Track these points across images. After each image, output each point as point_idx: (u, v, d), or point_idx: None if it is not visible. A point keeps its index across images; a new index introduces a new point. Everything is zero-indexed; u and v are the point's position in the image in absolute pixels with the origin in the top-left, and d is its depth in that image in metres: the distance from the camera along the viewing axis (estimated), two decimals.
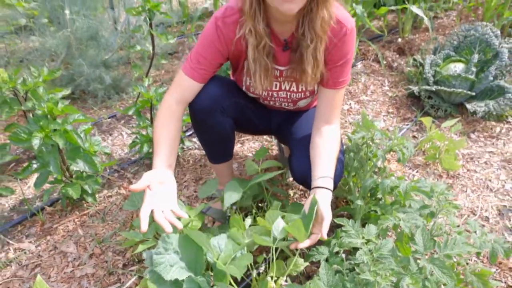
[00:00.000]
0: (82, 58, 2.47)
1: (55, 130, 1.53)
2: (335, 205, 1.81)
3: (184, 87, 1.38)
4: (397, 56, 3.32)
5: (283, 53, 1.36)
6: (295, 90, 1.47)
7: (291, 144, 1.55)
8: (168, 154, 1.29)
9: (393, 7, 2.73)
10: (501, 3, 3.06)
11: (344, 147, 1.59)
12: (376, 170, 1.59)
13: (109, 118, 2.64)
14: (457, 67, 2.53)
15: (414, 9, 2.58)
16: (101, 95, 2.76)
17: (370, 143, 1.47)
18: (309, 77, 1.34)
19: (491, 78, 2.46)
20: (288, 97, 1.50)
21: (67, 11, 2.42)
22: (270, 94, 1.50)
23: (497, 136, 2.38)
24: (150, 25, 2.19)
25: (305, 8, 1.21)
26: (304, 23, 1.24)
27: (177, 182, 1.97)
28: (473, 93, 2.46)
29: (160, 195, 1.14)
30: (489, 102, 2.42)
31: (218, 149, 1.59)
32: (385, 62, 3.19)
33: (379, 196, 1.56)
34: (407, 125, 2.47)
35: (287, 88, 1.47)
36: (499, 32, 2.60)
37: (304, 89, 1.46)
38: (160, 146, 1.29)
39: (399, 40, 3.62)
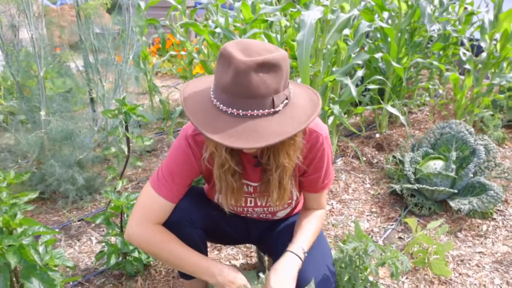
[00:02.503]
0: (55, 158, 2.39)
1: (9, 245, 1.38)
2: None
3: (159, 210, 1.28)
4: (376, 152, 3.34)
5: (255, 169, 1.30)
6: (271, 204, 1.39)
7: (274, 256, 1.42)
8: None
9: (369, 107, 2.79)
10: (471, 101, 3.19)
11: (335, 257, 1.47)
12: (368, 285, 1.46)
13: (78, 221, 2.48)
14: (436, 165, 2.53)
15: (389, 108, 2.65)
16: (73, 196, 2.62)
17: (363, 255, 1.36)
18: (276, 201, 1.28)
19: (471, 175, 2.46)
20: (266, 210, 1.42)
21: (42, 112, 2.39)
22: (245, 210, 1.42)
23: (484, 235, 2.30)
24: (126, 127, 2.15)
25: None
26: (269, 152, 1.18)
27: None
28: (455, 191, 2.43)
29: None
30: (472, 199, 2.38)
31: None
32: (364, 159, 3.20)
33: None
34: (392, 225, 2.38)
35: (263, 203, 1.39)
36: (472, 129, 2.67)
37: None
38: (191, 252, 1.27)
39: (377, 135, 3.69)
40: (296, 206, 1.53)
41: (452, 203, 2.39)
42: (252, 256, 2.07)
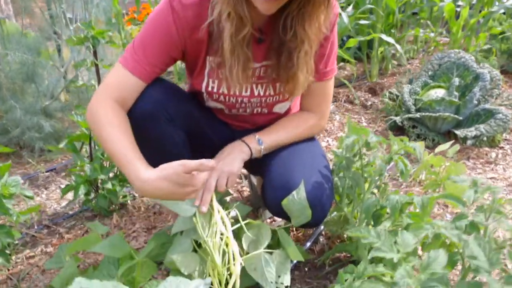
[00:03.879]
0: (18, 104, 2.10)
1: None
2: (327, 246, 1.42)
3: (124, 86, 1.04)
4: (370, 95, 3.14)
5: (258, 46, 1.07)
6: (272, 93, 1.16)
7: (263, 168, 1.20)
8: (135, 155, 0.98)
9: (361, 37, 2.57)
10: (466, 35, 3.01)
11: (332, 167, 1.26)
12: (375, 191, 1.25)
13: (47, 171, 2.21)
14: (438, 93, 2.33)
15: (384, 37, 2.44)
16: (39, 146, 2.34)
17: (364, 151, 1.14)
18: (299, 86, 1.08)
19: (476, 102, 2.27)
20: (263, 102, 1.18)
21: None
22: (239, 101, 1.18)
23: (494, 161, 2.12)
24: (95, 53, 1.88)
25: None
26: (293, 19, 0.97)
27: (124, 233, 1.55)
28: (460, 118, 2.24)
29: None
30: (479, 126, 2.19)
31: None
32: (358, 102, 2.99)
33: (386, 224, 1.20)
34: (388, 172, 2.18)
35: (261, 92, 1.16)
36: (473, 57, 2.48)
37: (283, 89, 1.15)
38: (126, 146, 0.98)
39: (368, 83, 3.49)
40: (294, 105, 1.30)
41: (457, 132, 2.21)
42: (244, 190, 1.84)
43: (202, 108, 1.23)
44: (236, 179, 1.11)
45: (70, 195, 1.85)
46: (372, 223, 1.18)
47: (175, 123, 1.11)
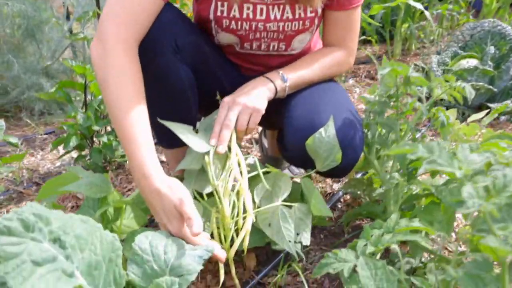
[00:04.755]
0: (14, 56, 1.96)
1: None
2: (349, 206, 1.26)
3: (138, 10, 0.87)
4: None
5: None
6: (290, 16, 0.98)
7: (283, 111, 1.03)
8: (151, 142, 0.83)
9: (387, 4, 2.38)
10: (500, 6, 2.78)
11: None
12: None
13: (45, 134, 2.08)
14: (470, 62, 2.12)
15: (412, 2, 2.24)
16: (39, 108, 2.21)
17: (403, 90, 0.96)
18: None
19: None
20: (280, 29, 1.01)
21: None
22: (253, 27, 1.00)
23: None
24: (97, 3, 1.73)
25: None
26: None
27: (120, 191, 1.40)
28: (495, 90, 2.03)
29: None
30: None
31: (171, 120, 1.03)
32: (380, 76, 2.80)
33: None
34: (421, 129, 1.99)
35: (277, 16, 0.99)
36: (509, 26, 2.26)
37: (303, 15, 0.98)
38: (139, 128, 0.82)
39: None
40: (312, 45, 1.13)
41: (491, 105, 2.00)
42: (255, 155, 1.68)
43: (213, 45, 1.07)
44: (259, 119, 0.94)
45: (67, 158, 1.72)
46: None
47: (182, 55, 0.95)
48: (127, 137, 0.80)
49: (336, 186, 1.42)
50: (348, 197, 1.33)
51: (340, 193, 1.32)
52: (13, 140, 1.23)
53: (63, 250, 0.53)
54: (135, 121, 0.80)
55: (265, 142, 1.53)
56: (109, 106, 0.83)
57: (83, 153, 1.45)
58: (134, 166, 0.80)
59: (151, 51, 0.91)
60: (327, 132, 0.88)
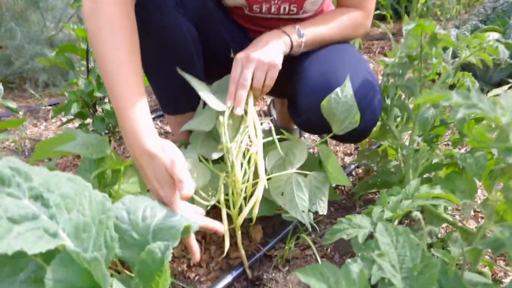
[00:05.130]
0: (16, 24, 1.90)
1: None
2: (361, 180, 1.19)
3: None
4: None
5: None
6: None
7: (297, 72, 0.95)
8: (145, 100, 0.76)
9: None
10: None
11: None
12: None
13: (49, 105, 2.03)
14: (492, 36, 2.01)
15: None
16: (43, 80, 2.16)
17: (427, 50, 0.89)
18: None
19: None
20: None
21: None
22: None
23: None
24: None
25: None
26: None
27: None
28: None
29: None
30: None
31: (175, 82, 0.97)
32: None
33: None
34: None
35: None
36: None
37: None
38: (131, 84, 0.74)
39: None
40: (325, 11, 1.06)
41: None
42: None
43: (219, 3, 1.00)
44: (276, 75, 0.86)
45: (71, 126, 1.67)
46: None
47: (185, 9, 0.88)
48: (117, 93, 0.73)
49: (347, 160, 1.36)
50: (360, 170, 1.27)
51: (352, 166, 1.26)
52: (12, 105, 1.18)
53: (46, 209, 0.47)
54: (128, 75, 0.73)
55: (274, 113, 1.46)
56: (100, 61, 0.76)
57: (85, 122, 1.40)
58: (125, 125, 0.73)
59: (151, 2, 0.84)
60: (344, 92, 0.82)
